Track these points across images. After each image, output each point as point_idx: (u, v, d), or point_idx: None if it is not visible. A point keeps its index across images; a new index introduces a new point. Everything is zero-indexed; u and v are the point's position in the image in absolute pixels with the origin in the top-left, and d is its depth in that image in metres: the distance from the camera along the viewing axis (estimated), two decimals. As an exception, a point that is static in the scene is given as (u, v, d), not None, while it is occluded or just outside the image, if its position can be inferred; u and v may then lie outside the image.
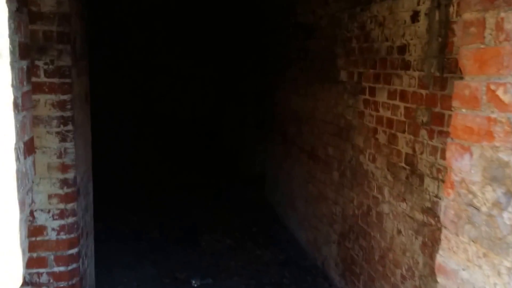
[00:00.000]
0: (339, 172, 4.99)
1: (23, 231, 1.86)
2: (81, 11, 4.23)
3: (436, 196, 3.15)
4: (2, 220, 1.60)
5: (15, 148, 1.73)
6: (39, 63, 3.47)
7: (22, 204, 1.82)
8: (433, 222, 3.19)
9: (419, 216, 3.36)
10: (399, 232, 3.66)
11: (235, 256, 5.95)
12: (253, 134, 9.81)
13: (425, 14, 3.29)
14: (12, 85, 1.66)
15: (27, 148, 1.99)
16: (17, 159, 1.75)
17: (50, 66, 3.49)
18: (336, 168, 5.08)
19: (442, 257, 1.60)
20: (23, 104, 1.85)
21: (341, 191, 4.92)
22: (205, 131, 12.92)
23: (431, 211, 3.21)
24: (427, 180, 3.27)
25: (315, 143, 5.79)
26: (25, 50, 1.98)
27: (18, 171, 1.76)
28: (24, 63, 1.93)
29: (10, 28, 1.65)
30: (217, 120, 13.18)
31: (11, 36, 1.68)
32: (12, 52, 1.69)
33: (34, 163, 2.14)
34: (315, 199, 5.76)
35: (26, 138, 1.96)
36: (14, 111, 1.69)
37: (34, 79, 3.38)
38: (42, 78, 3.49)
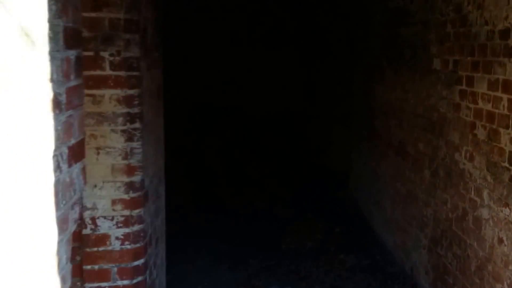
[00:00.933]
0: (431, 170, 4.54)
1: (63, 255, 1.59)
2: None
3: (548, 203, 2.69)
4: (30, 247, 1.34)
5: (54, 156, 1.50)
6: (104, 54, 3.11)
7: (63, 222, 1.56)
8: (543, 233, 2.73)
9: (526, 225, 2.91)
10: (500, 241, 3.21)
11: (317, 260, 5.61)
12: (340, 128, 9.42)
13: (536, -10, 2.82)
14: (52, 80, 1.44)
15: (73, 153, 1.74)
16: (57, 168, 1.51)
17: (116, 58, 3.14)
18: (427, 166, 4.64)
19: None
20: (69, 102, 1.63)
21: (433, 192, 4.48)
22: (291, 125, 12.65)
23: (542, 220, 2.75)
24: (536, 184, 2.81)
25: (404, 138, 5.35)
26: (73, 38, 1.76)
27: (58, 182, 1.53)
28: (71, 53, 1.72)
29: (50, 10, 1.44)
30: (304, 113, 12.88)
31: (51, 21, 1.45)
32: (52, 39, 1.46)
33: (84, 170, 1.89)
34: (404, 199, 5.33)
35: (73, 141, 1.73)
36: (54, 111, 1.46)
37: (98, 72, 3.11)
38: (108, 71, 3.14)
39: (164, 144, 4.42)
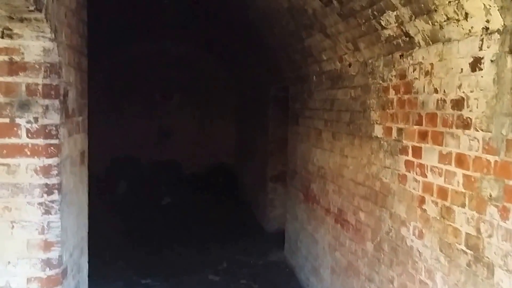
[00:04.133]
0: (374, 243, 4.24)
1: None
2: (77, 59, 3.70)
3: (515, 297, 2.40)
4: None
5: None
6: (21, 121, 3.01)
7: None
8: (510, 330, 2.43)
9: (488, 318, 2.60)
10: (458, 333, 2.89)
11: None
12: (275, 187, 9.12)
13: (491, 61, 2.63)
14: None
15: None
16: None
17: (34, 125, 3.02)
18: (370, 239, 4.34)
19: None
20: None
21: (377, 267, 4.15)
22: (223, 181, 12.26)
23: (507, 316, 2.45)
24: (499, 273, 2.52)
25: (343, 206, 5.06)
26: None
27: None
28: None
29: None
30: (237, 168, 12.55)
31: None
32: None
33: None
34: (344, 271, 4.99)
35: None
36: None
37: (14, 139, 2.99)
38: (24, 139, 3.02)
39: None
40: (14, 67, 2.97)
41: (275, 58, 7.77)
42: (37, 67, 3.00)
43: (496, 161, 2.57)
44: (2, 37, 2.95)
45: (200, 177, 12.29)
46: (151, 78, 11.99)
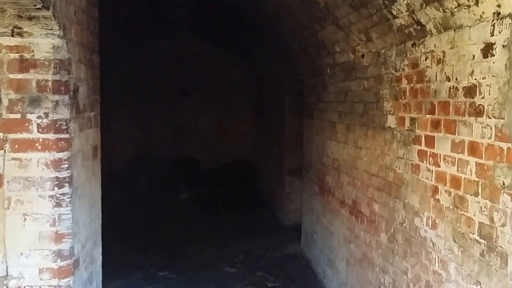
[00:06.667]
0: (388, 234, 4.20)
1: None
2: (88, 56, 3.74)
3: (529, 286, 2.36)
4: None
5: None
6: (32, 116, 3.08)
7: None
8: (524, 320, 2.39)
9: (501, 308, 2.56)
10: (472, 323, 2.85)
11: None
12: (290, 181, 9.10)
13: (503, 46, 2.58)
14: None
15: None
16: None
17: (44, 120, 3.10)
18: (384, 230, 4.30)
19: None
20: None
21: (391, 258, 4.12)
22: (241, 176, 12.27)
23: (521, 305, 2.41)
24: (513, 262, 2.48)
25: (358, 197, 5.03)
26: None
27: None
28: None
29: None
30: (254, 163, 12.55)
31: None
32: None
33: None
34: (359, 262, 4.96)
35: None
36: None
37: (25, 134, 3.07)
38: (35, 134, 3.09)
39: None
40: (25, 65, 3.04)
41: (290, 52, 7.75)
42: (47, 64, 3.05)
43: (509, 148, 2.53)
44: (13, 35, 3.00)
45: (218, 173, 12.33)
46: (169, 76, 12.06)
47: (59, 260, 3.12)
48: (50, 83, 3.07)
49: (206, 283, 6.21)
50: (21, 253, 3.09)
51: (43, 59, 3.05)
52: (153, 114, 12.33)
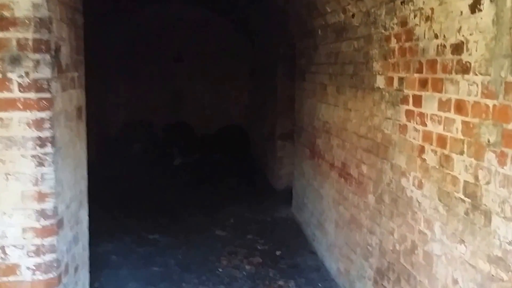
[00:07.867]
0: (376, 196, 4.20)
1: None
2: (71, 15, 3.64)
3: (510, 243, 2.35)
4: None
5: None
6: (12, 75, 3.02)
7: None
8: (505, 276, 2.39)
9: (484, 265, 2.56)
10: (455, 282, 2.86)
11: (255, 286, 5.22)
12: (282, 145, 9.08)
13: (490, 1, 2.50)
14: None
15: None
16: None
17: (25, 79, 3.03)
18: (371, 191, 4.30)
19: None
20: None
21: (378, 219, 4.13)
22: (234, 141, 12.24)
23: (502, 262, 2.41)
24: (496, 220, 2.47)
25: (347, 160, 5.01)
26: None
27: None
28: None
29: None
30: (248, 129, 12.51)
31: None
32: None
33: None
34: (347, 224, 4.98)
35: None
36: None
37: (6, 94, 3.01)
38: (16, 93, 3.04)
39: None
40: (5, 23, 2.97)
41: (282, 15, 7.60)
42: (27, 22, 2.98)
43: (494, 105, 2.48)
44: None
45: (212, 138, 12.30)
46: (164, 42, 11.92)
47: (43, 219, 3.10)
48: (30, 42, 3.00)
49: (196, 246, 6.23)
50: (4, 213, 3.06)
51: (23, 17, 2.98)
52: (147, 80, 12.26)
